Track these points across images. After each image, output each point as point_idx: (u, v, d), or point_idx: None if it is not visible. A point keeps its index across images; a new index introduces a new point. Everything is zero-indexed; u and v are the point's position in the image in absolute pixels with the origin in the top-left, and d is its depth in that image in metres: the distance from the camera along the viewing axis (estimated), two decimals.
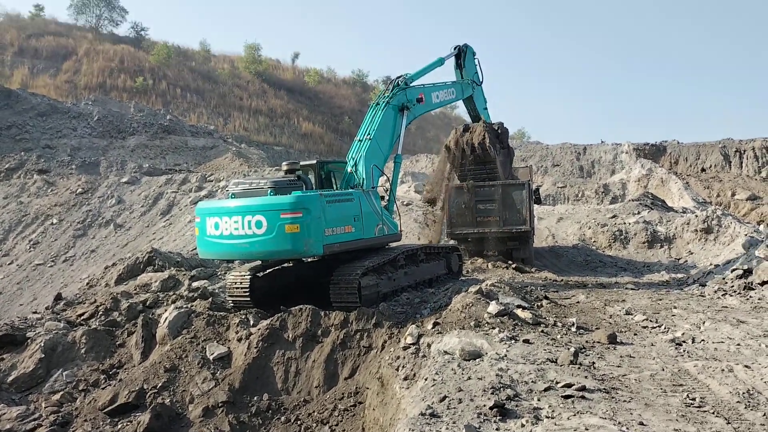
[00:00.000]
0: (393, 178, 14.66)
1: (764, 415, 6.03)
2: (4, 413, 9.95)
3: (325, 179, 13.53)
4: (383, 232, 13.23)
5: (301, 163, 13.58)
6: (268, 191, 11.38)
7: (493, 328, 9.35)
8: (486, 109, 18.55)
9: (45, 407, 10.33)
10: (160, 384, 10.38)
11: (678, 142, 43.78)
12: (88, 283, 16.79)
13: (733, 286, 13.55)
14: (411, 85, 14.81)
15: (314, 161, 13.79)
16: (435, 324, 9.90)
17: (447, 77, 17.06)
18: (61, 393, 10.69)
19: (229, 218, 11.34)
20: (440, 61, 16.38)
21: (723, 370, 7.42)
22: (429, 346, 8.98)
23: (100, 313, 12.95)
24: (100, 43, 64.40)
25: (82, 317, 13.00)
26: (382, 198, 14.04)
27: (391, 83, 14.78)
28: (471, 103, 17.78)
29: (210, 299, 12.94)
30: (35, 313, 14.17)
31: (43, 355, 11.42)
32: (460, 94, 16.96)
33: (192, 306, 12.42)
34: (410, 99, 14.54)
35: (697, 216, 22.27)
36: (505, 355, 7.95)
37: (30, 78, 54.97)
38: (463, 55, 16.72)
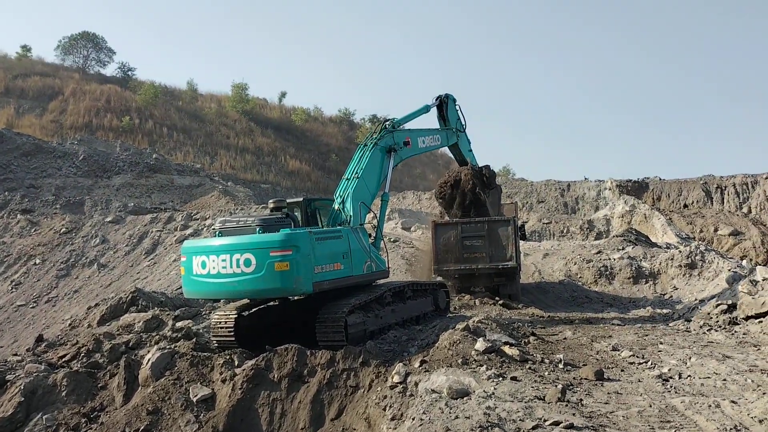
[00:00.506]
0: (380, 215, 14.76)
1: None
2: None
3: (311, 217, 13.55)
4: (372, 269, 13.21)
5: (288, 200, 13.61)
6: (257, 229, 11.32)
7: (481, 365, 9.31)
8: (471, 151, 18.79)
9: None
10: (142, 427, 10.16)
11: (660, 179, 44.40)
12: (70, 324, 16.53)
13: (718, 321, 13.63)
14: (398, 128, 15.07)
15: (301, 198, 13.83)
16: (422, 362, 9.84)
17: (432, 124, 17.45)
18: None
19: (217, 257, 11.17)
20: (426, 108, 16.65)
21: (710, 405, 7.42)
22: (416, 384, 8.90)
23: (82, 354, 12.71)
24: (87, 83, 64.68)
25: (64, 359, 12.75)
26: (370, 235, 14.08)
27: (378, 125, 15.01)
28: (456, 149, 18.05)
29: (194, 339, 12.76)
30: (15, 355, 13.89)
31: (23, 399, 11.15)
32: (445, 141, 17.21)
33: (175, 347, 12.23)
34: (397, 142, 14.75)
35: (680, 251, 22.48)
36: (493, 393, 7.91)
37: (15, 118, 54.91)
38: (444, 106, 17.02)
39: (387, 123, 14.94)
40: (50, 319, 25.52)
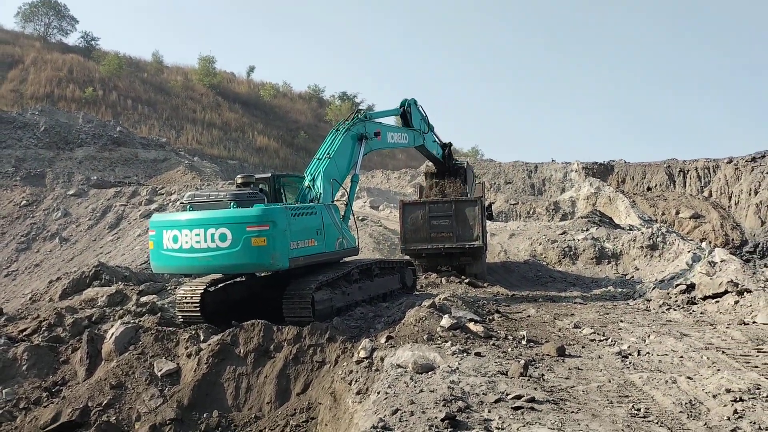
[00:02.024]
0: (350, 195, 14.80)
1: (705, 424, 6.24)
2: None
3: (277, 193, 13.46)
4: (343, 245, 13.27)
5: (256, 176, 13.46)
6: (230, 203, 11.20)
7: (446, 341, 9.43)
8: (435, 141, 19.03)
9: None
10: (105, 401, 10.08)
11: (625, 162, 45.12)
12: (31, 298, 16.22)
13: (676, 301, 14.01)
14: (371, 119, 15.34)
15: (269, 174, 13.69)
16: (388, 338, 9.92)
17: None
18: (1, 411, 10.26)
19: (190, 231, 11.00)
20: (397, 111, 17.11)
21: (667, 381, 7.65)
22: (382, 359, 8.99)
23: (44, 328, 12.50)
24: (49, 52, 62.64)
25: (24, 333, 12.52)
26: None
27: (351, 114, 15.26)
28: (423, 149, 18.40)
29: (159, 314, 12.65)
30: None
31: None
32: (412, 141, 17.48)
33: (140, 321, 12.11)
34: (368, 131, 14.91)
35: (643, 233, 22.96)
36: (457, 368, 8.03)
37: None
38: (408, 114, 17.24)
39: (359, 113, 15.22)
40: (10, 293, 25.01)
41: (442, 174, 20.33)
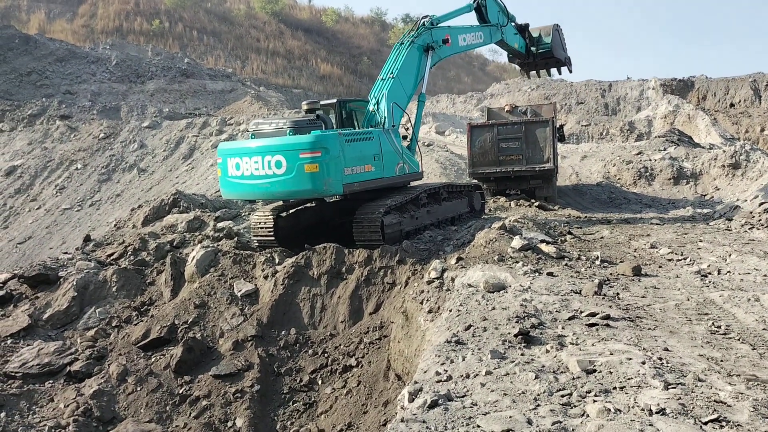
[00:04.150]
0: (416, 118, 14.49)
1: None
2: (42, 348, 10.32)
3: (346, 119, 13.42)
4: (404, 171, 13.16)
5: (322, 102, 13.46)
6: (288, 131, 11.28)
7: (517, 262, 9.40)
8: (516, 34, 17.48)
9: (80, 342, 10.68)
10: (190, 319, 10.66)
11: (706, 77, 42.51)
12: (115, 225, 17.07)
13: (760, 220, 13.38)
14: (437, 25, 14.47)
15: (334, 100, 13.65)
16: (458, 259, 9.96)
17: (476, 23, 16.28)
18: (95, 329, 11.03)
19: (249, 158, 11.27)
20: (468, 8, 15.84)
21: (749, 299, 7.41)
22: (453, 280, 9.06)
23: (129, 253, 13.19)
24: None
25: (112, 257, 13.26)
26: (404, 138, 13.93)
27: (416, 23, 14.44)
28: (504, 45, 17.13)
29: (235, 239, 13.11)
30: (66, 253, 14.49)
31: (76, 294, 11.73)
32: (489, 39, 16.28)
33: (218, 245, 12.60)
34: (436, 40, 14.21)
35: (725, 151, 21.83)
36: (529, 287, 8.01)
37: (47, 23, 54.65)
38: (483, 9, 15.93)
39: (425, 20, 14.35)
40: (95, 221, 26.40)
41: (529, 67, 18.78)
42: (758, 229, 12.62)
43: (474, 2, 15.86)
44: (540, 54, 18.00)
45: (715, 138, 30.62)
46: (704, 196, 20.27)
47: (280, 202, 13.15)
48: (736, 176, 20.56)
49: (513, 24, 17.11)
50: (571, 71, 19.02)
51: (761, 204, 14.33)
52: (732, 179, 20.54)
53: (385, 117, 13.09)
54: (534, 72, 19.08)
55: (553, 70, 19.27)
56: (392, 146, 12.76)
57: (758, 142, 33.55)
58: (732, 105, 39.37)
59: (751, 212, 14.22)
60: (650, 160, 22.81)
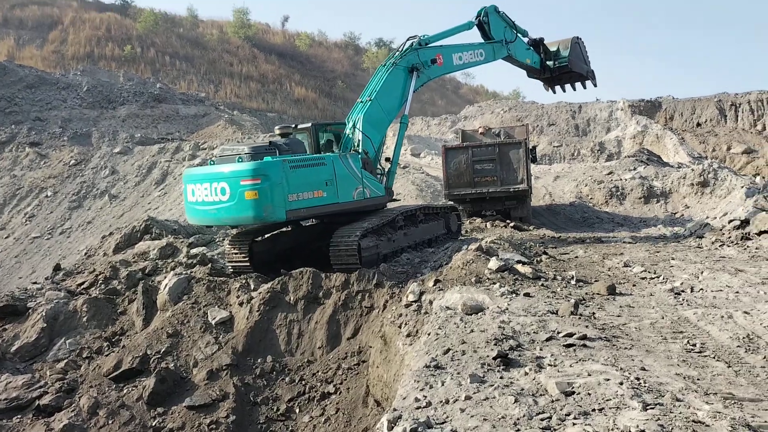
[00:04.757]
0: (398, 140, 14.37)
1: (764, 358, 6.10)
2: (10, 382, 10.03)
3: (326, 143, 13.40)
4: (364, 195, 12.75)
5: (300, 125, 13.50)
6: (236, 158, 11.31)
7: (494, 283, 9.41)
8: (529, 49, 16.76)
9: (50, 375, 10.40)
10: (163, 349, 10.45)
11: (673, 98, 43.45)
12: (86, 254, 16.77)
13: (730, 237, 13.62)
14: (425, 46, 14.17)
15: (309, 124, 13.64)
16: (436, 281, 9.94)
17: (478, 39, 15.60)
18: (65, 361, 10.76)
19: (201, 185, 11.41)
20: (468, 25, 15.25)
21: (722, 316, 7.49)
22: (431, 302, 9.03)
23: (100, 281, 12.95)
24: (86, 11, 63.09)
25: (82, 286, 13.00)
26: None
27: (403, 43, 14.15)
28: (513, 61, 16.43)
29: (209, 265, 12.95)
30: (35, 283, 14.18)
31: (45, 324, 11.46)
32: (491, 56, 15.66)
33: (191, 272, 12.43)
34: (424, 60, 13.98)
35: (693, 170, 22.26)
36: (507, 309, 8.01)
37: (16, 49, 54.00)
38: (486, 26, 15.23)
39: (413, 40, 13.99)
40: (66, 249, 25.92)
41: (551, 82, 17.91)
42: (728, 246, 12.83)
43: (475, 19, 15.35)
44: (558, 68, 17.25)
45: (684, 157, 31.24)
46: (674, 214, 20.60)
47: (256, 227, 13.08)
48: (705, 194, 20.95)
49: (526, 39, 16.52)
50: (595, 85, 18.27)
51: (731, 221, 14.59)
52: (701, 197, 20.92)
53: (359, 140, 13.08)
54: (559, 87, 18.28)
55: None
56: (349, 171, 12.45)
57: (725, 161, 34.29)
58: (699, 124, 40.26)
59: (721, 229, 14.47)
60: (621, 179, 23.17)
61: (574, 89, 18.40)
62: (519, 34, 16.16)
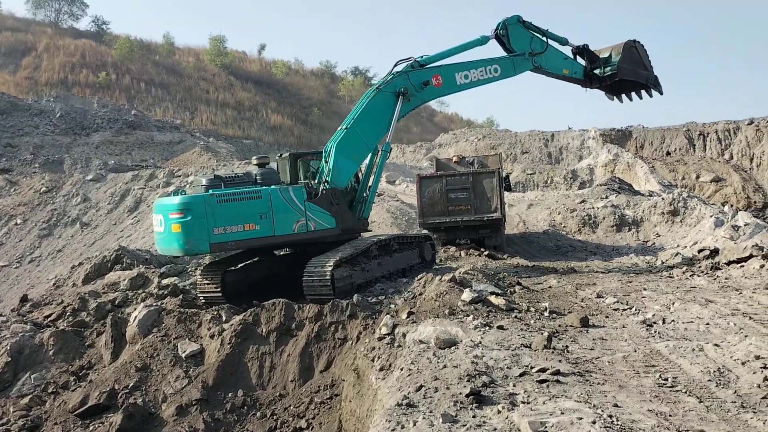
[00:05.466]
0: (377, 168, 14.16)
1: (735, 392, 6.13)
2: None
3: (306, 171, 13.39)
4: (307, 228, 12.48)
5: (282, 155, 13.61)
6: (180, 191, 11.84)
7: (468, 315, 9.38)
8: (566, 59, 15.52)
9: (13, 411, 10.10)
10: (131, 384, 10.21)
11: (643, 127, 44.32)
12: (54, 284, 16.43)
13: (700, 267, 13.80)
14: (417, 68, 13.56)
15: (287, 154, 13.67)
16: (410, 313, 9.89)
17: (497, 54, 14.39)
18: (30, 396, 10.46)
19: (155, 215, 12.00)
20: (482, 40, 14.27)
21: (693, 349, 7.54)
22: (404, 335, 8.97)
23: (68, 313, 12.67)
24: (61, 38, 62.67)
25: (50, 318, 12.71)
26: (314, 193, 12.92)
27: (394, 66, 13.66)
28: (546, 73, 15.13)
29: (180, 296, 12.75)
30: (1, 315, 13.81)
31: (9, 359, 11.16)
32: (511, 71, 14.58)
33: (162, 304, 12.22)
34: (414, 84, 13.49)
35: (663, 199, 22.63)
36: (480, 342, 7.98)
37: None
38: (505, 39, 14.12)
39: (404, 62, 13.44)
40: (34, 279, 25.33)
41: (609, 90, 16.26)
42: (699, 276, 13.00)
43: (492, 33, 14.41)
44: (608, 77, 15.66)
45: (654, 185, 31.77)
46: (646, 242, 20.86)
47: (228, 257, 13.03)
48: (676, 223, 21.27)
49: (567, 47, 15.41)
50: (660, 93, 16.56)
51: (701, 251, 14.81)
52: (672, 225, 21.23)
53: (330, 170, 13.04)
54: (625, 95, 16.77)
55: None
56: (289, 204, 12.22)
57: (694, 189, 34.94)
58: (668, 153, 41.05)
59: (691, 259, 14.67)
60: (593, 207, 23.44)
61: (640, 97, 16.68)
62: (556, 43, 15.03)
